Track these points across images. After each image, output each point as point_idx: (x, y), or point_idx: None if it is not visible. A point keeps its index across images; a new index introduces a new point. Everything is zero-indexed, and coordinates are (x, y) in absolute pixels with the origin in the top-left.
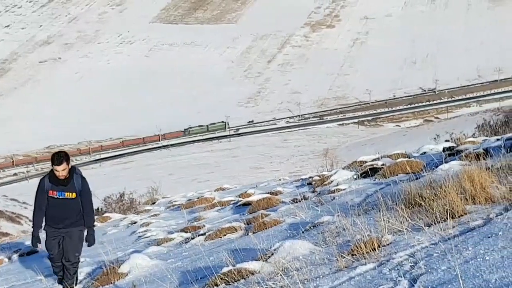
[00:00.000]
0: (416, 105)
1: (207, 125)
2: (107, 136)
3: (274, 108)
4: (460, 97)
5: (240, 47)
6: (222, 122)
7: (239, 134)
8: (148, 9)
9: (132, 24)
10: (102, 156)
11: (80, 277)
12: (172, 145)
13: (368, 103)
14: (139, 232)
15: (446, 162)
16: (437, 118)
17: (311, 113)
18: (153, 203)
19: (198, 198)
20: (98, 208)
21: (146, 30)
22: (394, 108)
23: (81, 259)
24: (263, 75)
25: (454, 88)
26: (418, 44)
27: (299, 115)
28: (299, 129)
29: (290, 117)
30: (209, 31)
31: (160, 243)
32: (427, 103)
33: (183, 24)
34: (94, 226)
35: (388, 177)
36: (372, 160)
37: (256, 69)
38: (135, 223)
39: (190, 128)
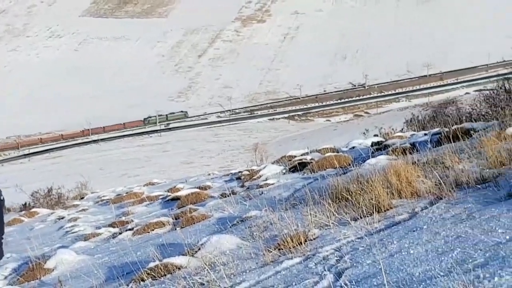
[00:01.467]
0: (346, 100)
1: (166, 115)
2: (36, 131)
3: (205, 103)
4: (389, 92)
5: (170, 42)
6: (181, 111)
7: (170, 129)
8: (78, 2)
9: (61, 17)
10: (32, 151)
11: (5, 273)
12: (102, 139)
13: (299, 98)
14: (66, 227)
15: (373, 156)
16: (367, 113)
17: (242, 108)
18: (82, 198)
19: (127, 193)
20: (26, 203)
21: (75, 24)
22: (324, 103)
23: (7, 255)
24: (194, 70)
25: (384, 83)
26: (348, 39)
27: (230, 110)
28: (230, 124)
29: (221, 112)
30: (140, 25)
31: (88, 238)
32: (357, 98)
33: (113, 18)
34: (2, 238)
35: (316, 172)
36: (301, 155)
37: (187, 64)
38: (62, 218)
39: (150, 117)
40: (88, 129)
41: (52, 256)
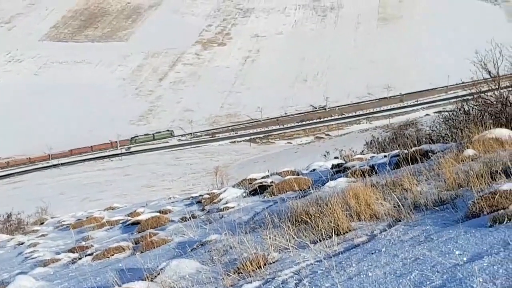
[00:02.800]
0: (307, 122)
1: (153, 134)
2: None
3: (166, 126)
4: (350, 114)
5: (131, 65)
6: (168, 130)
7: (131, 153)
8: (38, 27)
9: (21, 42)
10: None
11: None
12: (62, 164)
13: (260, 121)
14: (26, 253)
15: (333, 179)
16: (327, 135)
17: (203, 131)
18: (42, 223)
19: (87, 217)
20: None
21: (35, 48)
22: (285, 126)
23: None
24: (155, 93)
25: (345, 105)
26: (308, 62)
27: (191, 133)
28: (191, 147)
29: (182, 135)
30: (100, 49)
31: (47, 264)
32: (318, 120)
33: (74, 42)
34: None
35: (277, 195)
36: (262, 178)
37: (148, 87)
38: (22, 243)
39: (137, 136)
40: (49, 154)
41: (11, 282)
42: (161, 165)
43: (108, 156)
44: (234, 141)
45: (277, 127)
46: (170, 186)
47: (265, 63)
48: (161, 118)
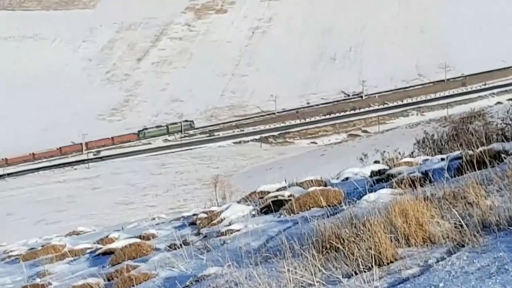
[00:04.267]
0: (337, 115)
1: (167, 125)
2: None
3: (147, 122)
4: (395, 103)
5: (100, 41)
6: (186, 121)
7: (101, 158)
8: None
9: None
10: None
11: None
12: (9, 174)
13: (274, 113)
14: None
15: (373, 190)
16: (365, 131)
17: (197, 128)
18: None
19: (43, 246)
20: None
21: None
22: (308, 120)
23: None
24: (132, 78)
25: (387, 91)
26: (337, 34)
27: (181, 131)
28: (181, 150)
29: (169, 134)
30: (58, 20)
31: None
32: (352, 112)
33: (22, 11)
34: None
35: (297, 213)
36: (277, 190)
37: (122, 70)
38: None
39: (146, 129)
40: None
41: None
42: (142, 174)
43: (71, 163)
44: (240, 142)
45: (297, 121)
46: (154, 203)
47: (280, 36)
48: (140, 111)
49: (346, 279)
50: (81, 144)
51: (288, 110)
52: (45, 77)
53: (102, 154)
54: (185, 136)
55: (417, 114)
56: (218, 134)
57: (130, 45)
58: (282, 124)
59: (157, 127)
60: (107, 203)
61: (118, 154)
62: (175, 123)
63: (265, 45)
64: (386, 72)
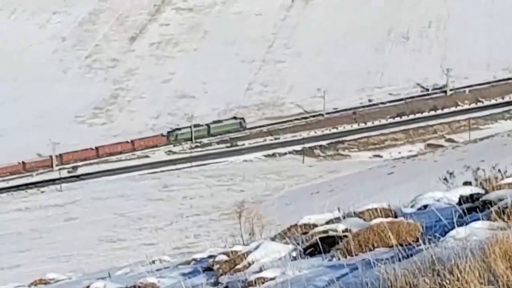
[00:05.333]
0: (412, 117)
1: (207, 125)
2: None
3: (143, 126)
4: (492, 101)
5: (77, 12)
6: (235, 118)
7: (78, 177)
8: None
9: None
10: None
11: None
12: None
13: (322, 115)
14: None
15: (463, 224)
16: (450, 140)
17: (250, 129)
18: None
19: None
20: None
21: None
22: (370, 124)
23: None
24: (122, 65)
25: (482, 84)
26: (412, 3)
27: (191, 140)
28: (191, 166)
29: (174, 143)
30: None
31: None
32: (432, 113)
33: None
34: None
35: (356, 255)
36: (327, 223)
37: (109, 54)
38: None
39: (178, 130)
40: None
41: None
42: (136, 199)
43: (36, 184)
44: (273, 154)
45: (354, 126)
46: (153, 240)
47: (330, 6)
48: (133, 111)
49: None
50: (51, 157)
51: (341, 110)
52: (3, 63)
53: (81, 171)
54: (196, 147)
55: None
56: (243, 144)
57: (120, 19)
58: (334, 130)
59: (194, 126)
60: (87, 239)
61: (103, 171)
62: (219, 121)
63: (310, 18)
64: (481, 57)
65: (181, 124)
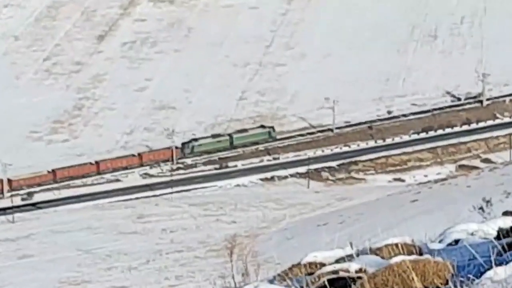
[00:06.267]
0: (440, 132)
1: (229, 135)
2: None
3: (114, 144)
4: None
5: (32, 6)
6: (263, 126)
7: (35, 205)
8: None
9: None
10: None
11: None
12: None
13: (331, 130)
14: None
15: (503, 263)
16: (487, 161)
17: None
18: None
19: None
20: None
21: None
22: (389, 141)
23: None
24: (88, 69)
25: None
26: None
27: (171, 160)
28: (172, 192)
29: (151, 164)
30: None
31: None
32: (465, 127)
33: None
34: None
35: None
36: (337, 262)
37: (72, 56)
38: None
39: (195, 141)
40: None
41: None
42: (103, 232)
43: None
44: (272, 178)
45: (370, 144)
46: (126, 282)
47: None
48: (101, 125)
49: None
50: (1, 181)
51: (355, 125)
52: None
53: (37, 198)
54: (178, 168)
55: None
56: (236, 164)
57: (86, 13)
58: (345, 149)
59: (213, 136)
60: (45, 282)
61: (65, 198)
62: (243, 131)
63: (317, 13)
64: None
65: (158, 141)
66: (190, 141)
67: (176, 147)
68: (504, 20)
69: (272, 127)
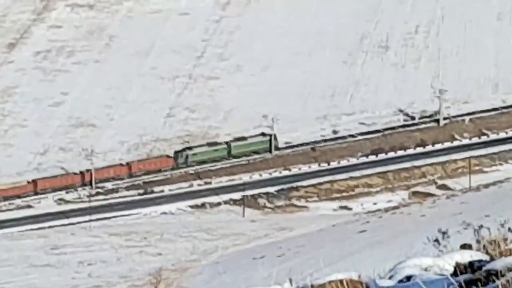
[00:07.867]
0: (391, 155)
1: (227, 143)
2: None
3: (25, 165)
4: (501, 135)
5: None
6: (263, 134)
7: None
8: None
9: None
10: None
11: None
12: None
13: (270, 152)
14: None
15: None
16: (443, 187)
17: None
18: None
19: None
20: None
21: None
22: (334, 164)
23: None
24: None
25: (486, 111)
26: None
27: (90, 185)
28: (90, 220)
29: (68, 189)
30: None
31: None
32: (419, 150)
33: None
34: None
35: None
36: None
37: None
38: None
39: (190, 149)
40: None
41: None
42: (13, 265)
43: None
44: (203, 205)
45: (313, 168)
46: None
47: (280, 6)
48: (12, 145)
49: None
50: (172, 157)
51: (297, 146)
52: None
53: None
54: (97, 193)
55: None
56: (162, 191)
57: None
58: (285, 173)
59: (209, 144)
60: None
61: None
62: (242, 139)
63: (254, 20)
64: (485, 74)
65: (75, 162)
66: (183, 150)
67: (168, 156)
68: (463, 29)
69: (274, 135)
